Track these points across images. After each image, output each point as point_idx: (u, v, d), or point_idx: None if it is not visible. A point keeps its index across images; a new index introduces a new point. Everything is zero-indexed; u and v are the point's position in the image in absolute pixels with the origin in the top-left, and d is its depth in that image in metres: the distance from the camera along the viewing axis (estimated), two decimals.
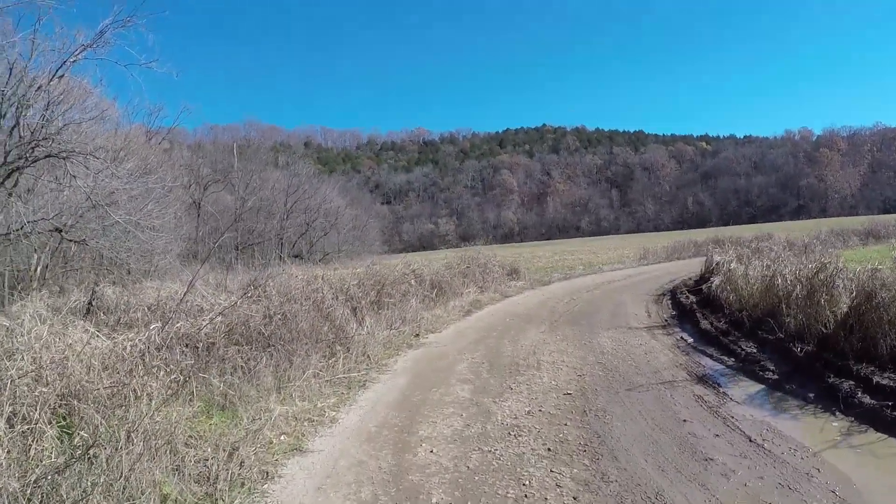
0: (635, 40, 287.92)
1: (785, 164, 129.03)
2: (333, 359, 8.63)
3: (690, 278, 19.68)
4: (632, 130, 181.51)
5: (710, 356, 9.08)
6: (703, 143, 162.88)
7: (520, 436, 5.82)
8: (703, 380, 7.75)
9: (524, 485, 4.68)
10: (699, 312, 12.06)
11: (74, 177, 12.55)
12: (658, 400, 6.93)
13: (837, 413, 6.15)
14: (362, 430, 6.18)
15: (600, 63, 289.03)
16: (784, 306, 9.33)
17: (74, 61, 12.81)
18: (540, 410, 6.65)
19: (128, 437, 4.35)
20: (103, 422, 4.53)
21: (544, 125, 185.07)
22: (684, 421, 6.13)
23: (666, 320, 12.52)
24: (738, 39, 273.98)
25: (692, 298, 14.12)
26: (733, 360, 8.65)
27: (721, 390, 7.24)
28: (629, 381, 7.77)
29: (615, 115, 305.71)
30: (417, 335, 11.76)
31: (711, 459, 5.08)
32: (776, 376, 7.54)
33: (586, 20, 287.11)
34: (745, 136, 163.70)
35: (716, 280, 13.09)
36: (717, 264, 16.14)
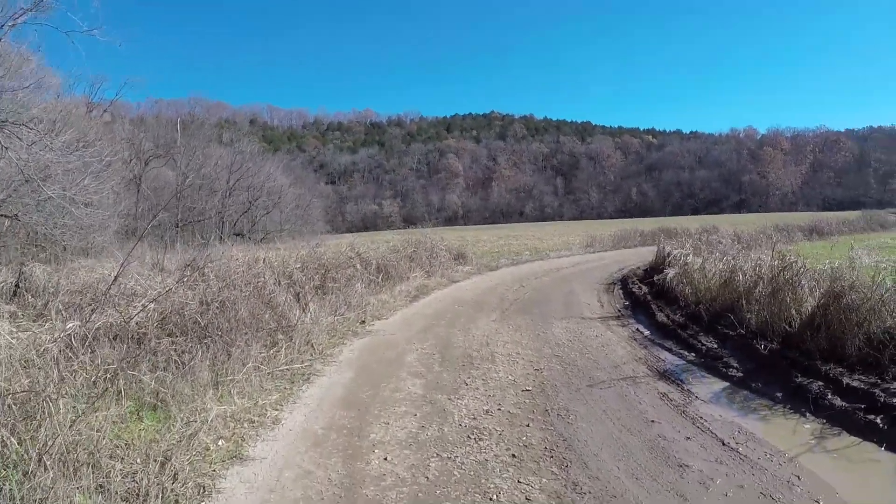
0: (586, 34, 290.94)
1: (728, 159, 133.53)
2: (275, 349, 8.02)
3: (640, 268, 19.81)
4: (579, 121, 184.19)
5: (670, 350, 8.94)
6: (650, 137, 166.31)
7: (481, 439, 5.41)
8: (665, 376, 7.55)
9: (491, 500, 4.26)
10: (654, 304, 11.99)
11: (6, 148, 11.62)
12: (621, 398, 6.67)
13: (808, 414, 6.02)
14: (308, 433, 5.62)
15: (549, 54, 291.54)
16: (744, 302, 9.28)
17: (13, 25, 11.92)
18: (499, 409, 6.26)
19: (39, 460, 3.71)
20: (12, 439, 3.86)
21: (492, 112, 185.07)
22: (652, 422, 5.87)
23: (619, 311, 12.41)
24: (686, 38, 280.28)
25: (645, 289, 14.09)
26: (694, 355, 8.52)
27: (685, 387, 7.05)
28: (589, 377, 7.50)
29: (563, 107, 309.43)
30: (363, 322, 11.24)
31: (687, 466, 4.82)
32: (740, 374, 7.41)
33: (537, 11, 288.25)
34: (690, 132, 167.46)
35: (670, 272, 13.05)
36: (669, 255, 16.18)
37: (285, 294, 10.09)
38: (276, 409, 6.20)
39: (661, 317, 10.93)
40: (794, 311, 8.05)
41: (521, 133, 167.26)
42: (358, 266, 14.33)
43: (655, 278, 15.10)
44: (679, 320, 10.41)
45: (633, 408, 6.32)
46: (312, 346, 8.82)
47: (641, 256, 25.65)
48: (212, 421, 5.30)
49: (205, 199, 40.97)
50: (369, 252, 15.98)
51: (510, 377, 7.51)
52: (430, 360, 8.48)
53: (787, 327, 7.99)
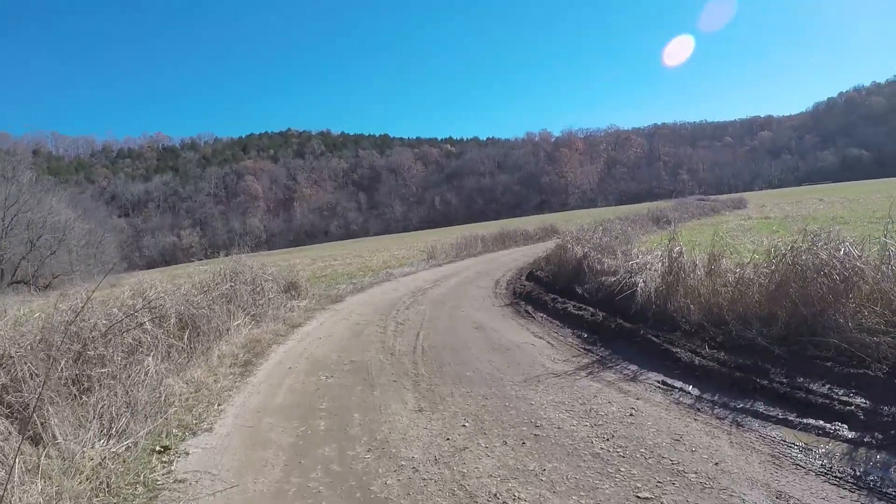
0: (374, 45, 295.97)
1: (527, 163, 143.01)
2: None
3: (519, 277, 17.16)
4: (377, 134, 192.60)
5: (821, 430, 4.86)
6: (448, 146, 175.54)
7: None
8: None
9: None
10: (650, 334, 7.94)
11: None
12: None
13: None
14: None
15: (342, 67, 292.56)
16: (848, 315, 5.66)
17: None
18: None
19: None
20: None
21: (289, 129, 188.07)
22: None
23: (587, 349, 8.29)
24: (476, 47, 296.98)
25: (592, 309, 10.08)
26: (854, 432, 4.53)
27: None
28: None
29: (360, 120, 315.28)
30: (165, 450, 5.69)
31: None
32: None
33: (325, 23, 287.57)
34: (488, 138, 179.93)
35: (639, 279, 9.22)
36: (587, 257, 12.56)
37: None
38: None
39: (685, 355, 6.90)
40: None
41: (319, 150, 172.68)
42: (148, 325, 8.44)
43: (581, 290, 11.43)
44: (733, 361, 6.44)
45: None
46: None
47: (502, 263, 23.29)
48: None
49: None
50: (165, 298, 9.95)
51: None
52: None
53: None
